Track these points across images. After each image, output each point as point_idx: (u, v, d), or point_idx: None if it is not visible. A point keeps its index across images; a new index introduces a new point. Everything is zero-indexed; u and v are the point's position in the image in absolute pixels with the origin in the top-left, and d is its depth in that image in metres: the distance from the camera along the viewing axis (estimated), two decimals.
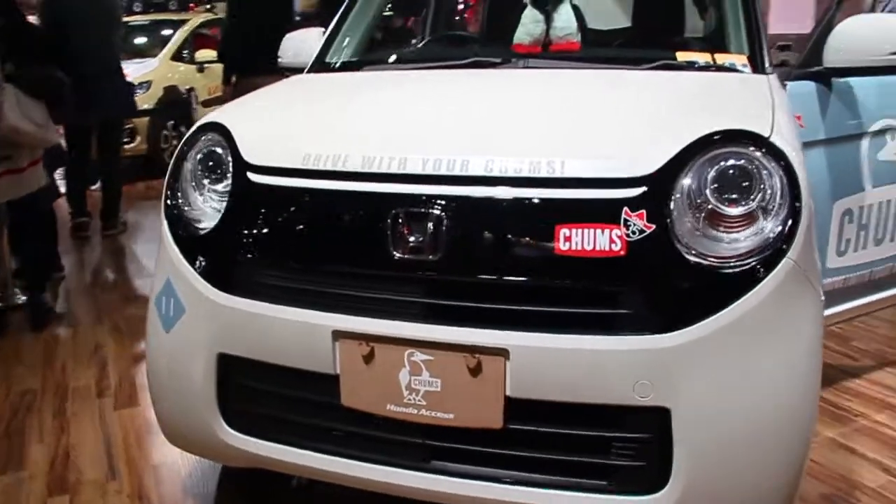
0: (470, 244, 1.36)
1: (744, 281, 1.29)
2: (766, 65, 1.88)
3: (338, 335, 1.44)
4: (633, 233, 1.30)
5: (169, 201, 1.68)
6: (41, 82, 2.73)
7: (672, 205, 1.31)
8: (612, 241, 1.30)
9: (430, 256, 1.37)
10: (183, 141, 1.72)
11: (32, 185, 3.00)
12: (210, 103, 6.15)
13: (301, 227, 1.49)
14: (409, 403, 1.44)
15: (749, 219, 1.32)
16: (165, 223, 1.67)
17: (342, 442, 1.52)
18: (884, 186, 2.20)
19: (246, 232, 1.54)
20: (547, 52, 2.10)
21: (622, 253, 1.29)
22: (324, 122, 1.66)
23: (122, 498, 1.90)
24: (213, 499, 1.89)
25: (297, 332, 1.48)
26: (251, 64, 4.44)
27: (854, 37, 1.92)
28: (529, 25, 2.06)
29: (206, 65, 6.78)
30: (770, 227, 1.31)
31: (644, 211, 1.30)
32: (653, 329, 1.29)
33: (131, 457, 2.08)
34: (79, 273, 3.91)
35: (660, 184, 1.31)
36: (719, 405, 1.30)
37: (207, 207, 1.64)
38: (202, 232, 1.60)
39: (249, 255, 1.53)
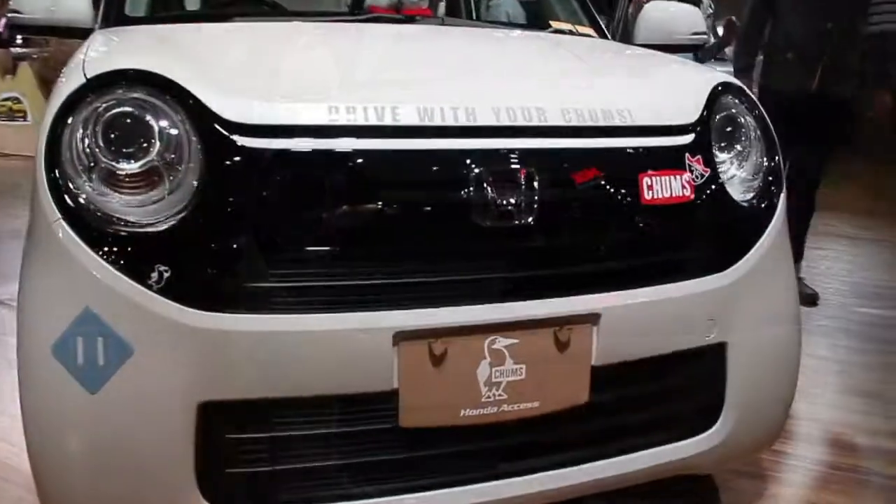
0: (554, 204, 1.20)
1: (766, 214, 1.42)
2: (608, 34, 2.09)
3: (400, 337, 1.13)
4: (697, 178, 1.32)
5: (68, 196, 1.08)
6: None
7: (714, 149, 1.37)
8: (683, 186, 1.30)
9: (513, 222, 1.17)
10: (64, 106, 1.11)
11: None
12: None
13: (334, 202, 1.11)
14: (489, 402, 1.21)
15: (754, 158, 1.46)
16: (68, 229, 1.07)
17: (398, 476, 1.20)
18: None
19: (241, 218, 1.08)
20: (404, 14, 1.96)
21: (692, 198, 1.31)
22: (320, 71, 1.26)
23: None
24: None
25: (339, 344, 1.11)
26: None
27: (661, 19, 2.23)
28: None
29: None
30: (767, 165, 1.47)
31: (700, 156, 1.33)
32: (715, 268, 1.34)
33: None
34: None
35: (703, 129, 1.36)
36: (757, 333, 1.42)
37: (135, 195, 1.11)
38: (154, 230, 1.07)
39: (250, 251, 1.08)
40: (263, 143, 1.09)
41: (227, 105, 1.10)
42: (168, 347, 1.07)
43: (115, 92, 1.11)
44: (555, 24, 2.02)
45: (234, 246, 1.08)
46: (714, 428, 1.40)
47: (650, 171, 1.26)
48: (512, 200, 1.15)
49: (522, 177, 1.16)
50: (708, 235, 1.34)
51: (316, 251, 1.10)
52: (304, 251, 1.10)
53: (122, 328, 1.06)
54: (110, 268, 1.06)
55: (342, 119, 1.10)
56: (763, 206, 1.41)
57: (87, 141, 1.10)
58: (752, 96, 1.50)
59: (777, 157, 1.46)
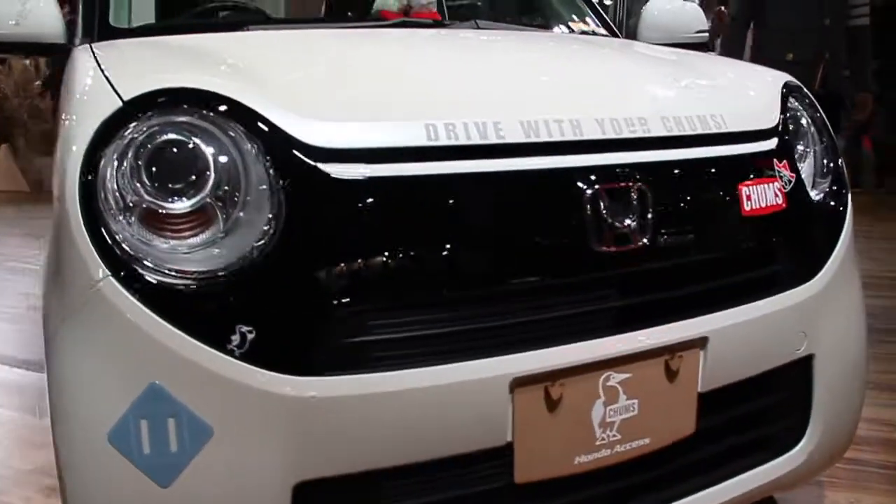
0: (663, 221, 1.09)
1: (840, 216, 1.37)
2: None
3: (516, 383, 0.99)
4: (785, 184, 1.25)
5: (115, 247, 0.87)
6: None
7: (796, 152, 1.30)
8: (776, 194, 1.22)
9: (626, 244, 1.05)
10: (99, 135, 0.90)
11: None
12: None
13: (437, 235, 0.95)
14: (602, 444, 1.09)
15: (823, 159, 1.40)
16: (121, 289, 0.86)
17: None
18: None
19: (332, 261, 0.91)
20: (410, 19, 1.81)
21: (784, 206, 1.23)
22: (395, 84, 1.09)
23: None
24: None
25: (450, 400, 0.96)
26: None
27: (665, 17, 2.18)
28: None
29: None
30: (833, 165, 1.42)
31: (785, 161, 1.26)
32: (804, 277, 1.27)
33: None
34: None
35: (783, 132, 1.29)
36: (838, 341, 1.36)
37: (187, 238, 0.92)
38: (230, 282, 0.88)
39: (345, 299, 0.91)
40: (352, 170, 0.92)
41: (305, 127, 0.93)
42: (256, 423, 0.88)
43: (162, 116, 0.92)
44: (575, 26, 1.92)
45: (326, 294, 0.90)
46: (801, 444, 1.34)
47: (748, 181, 1.18)
48: (626, 221, 1.04)
49: (634, 194, 1.05)
50: (798, 244, 1.28)
51: (420, 294, 0.94)
52: (406, 295, 0.94)
53: (199, 405, 0.87)
54: (181, 333, 0.86)
55: (442, 139, 0.95)
56: (838, 208, 1.36)
57: (131, 178, 0.90)
58: (811, 95, 1.45)
59: (840, 157, 1.42)
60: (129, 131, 0.90)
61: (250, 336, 0.87)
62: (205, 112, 0.92)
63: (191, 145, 0.91)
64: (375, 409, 0.92)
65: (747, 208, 1.18)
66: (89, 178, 0.89)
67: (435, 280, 0.94)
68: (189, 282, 0.87)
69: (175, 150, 0.91)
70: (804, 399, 1.33)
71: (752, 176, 1.19)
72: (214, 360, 0.86)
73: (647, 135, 1.08)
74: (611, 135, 1.05)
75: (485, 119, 0.98)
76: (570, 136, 1.02)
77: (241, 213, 0.90)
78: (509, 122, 0.99)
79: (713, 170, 1.16)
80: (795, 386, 1.32)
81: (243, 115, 0.91)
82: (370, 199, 0.93)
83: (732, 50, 2.68)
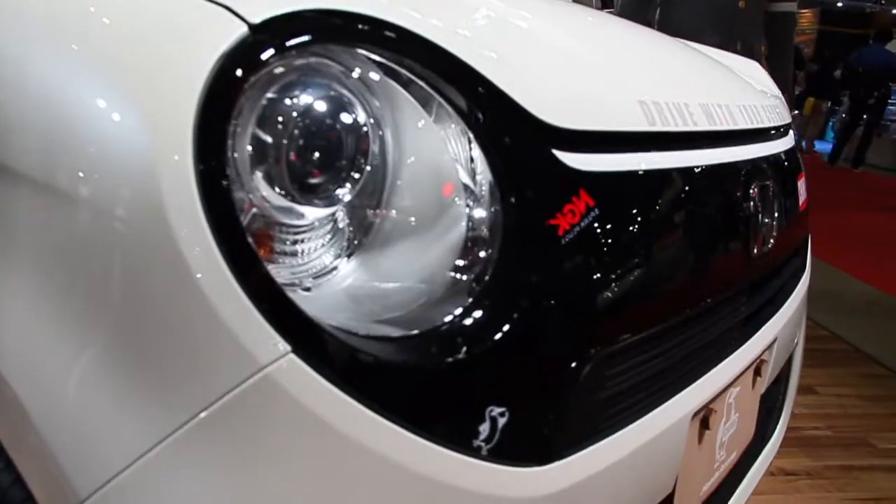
0: (779, 220, 0.99)
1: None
2: None
3: (693, 418, 0.83)
4: (802, 179, 1.26)
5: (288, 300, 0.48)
6: None
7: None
8: (804, 189, 1.23)
9: (766, 246, 0.94)
10: (218, 86, 0.47)
11: None
12: None
13: (668, 247, 0.72)
14: (717, 468, 1.00)
15: None
16: (315, 376, 0.47)
17: None
18: None
19: (576, 288, 0.62)
20: None
21: (807, 199, 1.24)
22: (579, 51, 0.77)
23: None
24: None
25: (650, 450, 0.76)
26: None
27: None
28: None
29: None
30: None
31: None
32: (803, 268, 1.31)
33: None
34: None
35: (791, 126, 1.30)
36: (800, 328, 1.44)
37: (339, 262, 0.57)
38: (457, 332, 0.55)
39: (593, 343, 0.63)
40: (592, 161, 0.64)
41: (541, 98, 0.62)
42: None
43: (311, 54, 0.53)
44: None
45: (578, 339, 0.63)
46: (777, 428, 1.40)
47: (801, 174, 1.17)
48: (767, 220, 0.93)
49: (771, 192, 0.95)
50: (805, 235, 1.31)
51: (650, 324, 0.71)
52: (640, 328, 0.70)
53: None
54: (411, 434, 0.51)
55: (658, 123, 0.73)
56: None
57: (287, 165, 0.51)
58: None
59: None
60: (263, 80, 0.51)
61: (502, 420, 0.56)
62: (388, 55, 0.56)
63: (354, 106, 0.55)
64: (605, 486, 0.68)
65: (800, 202, 1.17)
66: (213, 168, 0.47)
67: (664, 305, 0.73)
68: (408, 349, 0.53)
69: (334, 114, 0.54)
70: (786, 385, 1.40)
71: (801, 170, 1.18)
72: (460, 469, 0.54)
73: (759, 125, 0.99)
74: (747, 125, 0.93)
75: (677, 99, 0.78)
76: (731, 125, 0.88)
77: (462, 224, 0.57)
78: (694, 106, 0.80)
79: (787, 164, 1.12)
80: (786, 373, 1.38)
81: (449, 68, 0.58)
82: (617, 203, 0.66)
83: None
